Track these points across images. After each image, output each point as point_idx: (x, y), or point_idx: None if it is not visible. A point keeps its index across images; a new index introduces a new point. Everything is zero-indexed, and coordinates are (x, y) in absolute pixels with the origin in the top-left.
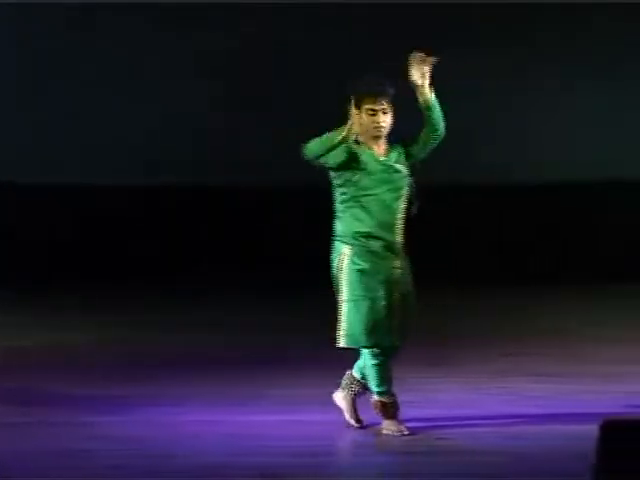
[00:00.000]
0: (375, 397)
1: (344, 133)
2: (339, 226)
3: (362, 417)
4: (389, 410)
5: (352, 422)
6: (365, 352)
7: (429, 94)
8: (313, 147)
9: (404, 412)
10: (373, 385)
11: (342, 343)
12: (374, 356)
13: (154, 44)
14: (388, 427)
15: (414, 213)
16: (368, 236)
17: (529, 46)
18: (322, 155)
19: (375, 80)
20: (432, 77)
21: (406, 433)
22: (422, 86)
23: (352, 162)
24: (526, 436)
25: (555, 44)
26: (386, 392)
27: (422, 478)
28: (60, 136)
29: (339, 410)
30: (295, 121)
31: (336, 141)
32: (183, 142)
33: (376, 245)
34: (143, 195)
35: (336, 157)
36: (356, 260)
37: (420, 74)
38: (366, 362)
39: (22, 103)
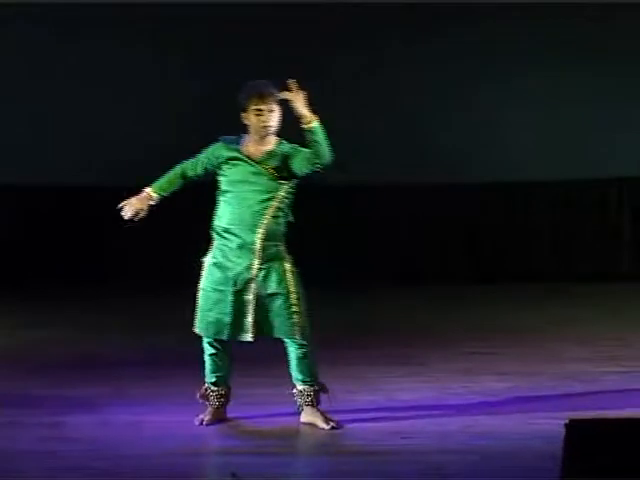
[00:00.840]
0: (205, 384)
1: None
2: (214, 219)
3: (335, 418)
4: (212, 399)
5: (328, 427)
6: (204, 342)
7: (311, 122)
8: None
9: (370, 410)
10: (207, 373)
11: (196, 329)
12: (210, 347)
13: (153, 44)
14: (205, 415)
15: (290, 220)
16: (225, 231)
17: (530, 46)
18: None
19: (260, 82)
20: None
21: (203, 424)
22: (303, 115)
23: (221, 161)
24: (493, 435)
25: (555, 45)
26: (215, 382)
27: (387, 478)
28: (58, 136)
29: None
30: (294, 121)
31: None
32: (180, 142)
33: (232, 242)
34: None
35: (196, 169)
36: (215, 252)
37: (299, 104)
38: (204, 351)
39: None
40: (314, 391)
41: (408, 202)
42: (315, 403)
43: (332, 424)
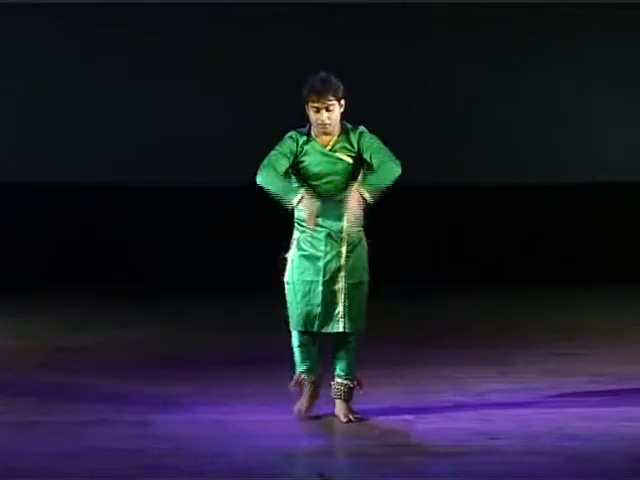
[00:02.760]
0: (297, 372)
1: (295, 203)
2: (295, 212)
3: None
4: (306, 387)
5: (344, 420)
6: (293, 332)
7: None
8: (269, 185)
9: (458, 410)
10: (297, 363)
11: (291, 321)
12: (300, 337)
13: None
14: (302, 403)
15: (370, 202)
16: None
17: (552, 46)
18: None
19: (320, 78)
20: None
21: (302, 414)
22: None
23: (298, 155)
24: (581, 436)
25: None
26: (307, 370)
27: (474, 478)
28: (57, 136)
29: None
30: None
31: (285, 199)
32: (186, 142)
33: (319, 232)
34: (151, 194)
35: (283, 165)
36: (301, 245)
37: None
38: (292, 342)
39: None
40: (350, 387)
41: (484, 203)
42: (348, 398)
43: (350, 417)
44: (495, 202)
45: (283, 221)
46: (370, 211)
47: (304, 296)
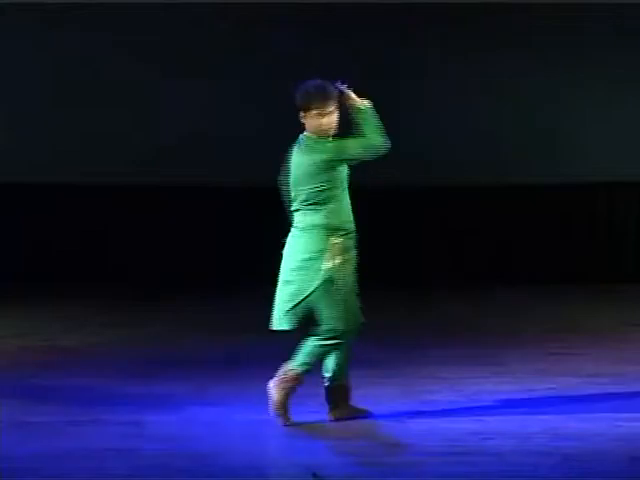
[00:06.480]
0: (296, 371)
1: None
2: (321, 219)
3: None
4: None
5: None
6: (342, 338)
7: (361, 104)
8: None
9: (452, 412)
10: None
11: (351, 328)
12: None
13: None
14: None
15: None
16: (349, 229)
17: (553, 46)
18: None
19: (319, 85)
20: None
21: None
22: (354, 100)
23: None
24: (575, 436)
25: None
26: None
27: (469, 478)
28: (56, 136)
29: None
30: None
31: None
32: (185, 142)
33: (348, 236)
34: (151, 194)
35: None
36: (342, 252)
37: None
38: (338, 347)
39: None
40: (330, 389)
41: (484, 203)
42: (337, 399)
43: (331, 417)
44: (495, 202)
45: (283, 221)
46: (369, 210)
47: (355, 298)
